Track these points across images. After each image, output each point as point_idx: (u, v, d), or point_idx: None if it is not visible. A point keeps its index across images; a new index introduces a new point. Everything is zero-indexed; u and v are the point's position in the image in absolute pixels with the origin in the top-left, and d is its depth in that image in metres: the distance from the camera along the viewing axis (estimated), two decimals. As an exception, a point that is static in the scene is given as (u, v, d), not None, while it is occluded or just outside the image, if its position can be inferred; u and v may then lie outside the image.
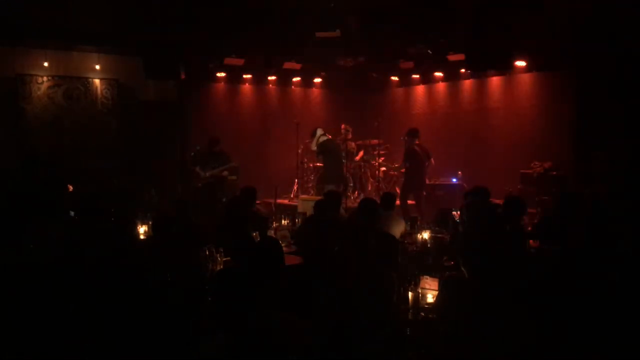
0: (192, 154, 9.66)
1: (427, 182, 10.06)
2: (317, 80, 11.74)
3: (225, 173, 9.12)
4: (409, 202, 9.13)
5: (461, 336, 3.39)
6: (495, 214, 5.01)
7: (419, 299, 3.72)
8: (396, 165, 10.00)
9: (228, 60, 9.83)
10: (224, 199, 8.79)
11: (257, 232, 5.22)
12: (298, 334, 2.94)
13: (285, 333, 2.94)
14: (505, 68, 8.69)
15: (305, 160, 10.67)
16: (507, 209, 5.16)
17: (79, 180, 7.23)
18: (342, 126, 10.31)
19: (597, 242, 4.63)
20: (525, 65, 9.01)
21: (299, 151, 10.41)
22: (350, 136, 10.31)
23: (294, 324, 2.96)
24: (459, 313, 3.50)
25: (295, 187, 10.49)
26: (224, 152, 9.25)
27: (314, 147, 9.72)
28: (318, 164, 10.56)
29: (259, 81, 11.18)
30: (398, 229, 5.79)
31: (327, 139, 9.59)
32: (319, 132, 9.62)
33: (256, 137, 11.06)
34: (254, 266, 3.62)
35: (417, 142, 9.11)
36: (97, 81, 9.53)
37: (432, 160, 9.19)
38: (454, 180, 9.65)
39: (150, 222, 5.70)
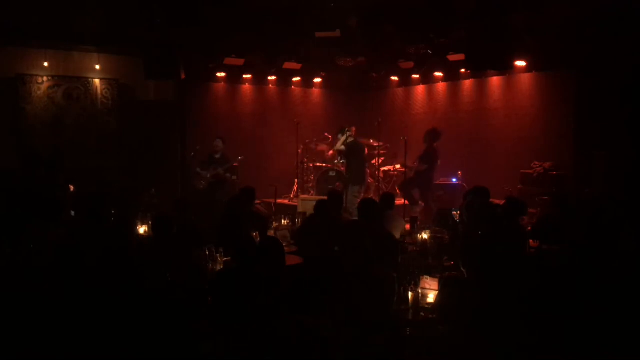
0: (192, 154, 9.67)
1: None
2: (317, 80, 11.73)
3: (228, 175, 9.11)
4: (407, 202, 9.13)
5: (461, 336, 3.40)
6: (495, 214, 5.02)
7: (419, 299, 3.72)
8: (414, 165, 9.44)
9: (228, 61, 9.83)
10: (224, 199, 8.80)
11: (257, 232, 5.23)
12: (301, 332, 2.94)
13: (287, 332, 2.94)
14: (506, 68, 8.67)
15: (305, 160, 10.67)
16: (507, 209, 5.17)
17: (79, 180, 7.24)
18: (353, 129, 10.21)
19: (597, 241, 4.63)
20: (526, 65, 9.00)
21: (299, 151, 10.41)
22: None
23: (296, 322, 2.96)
24: (459, 313, 3.50)
25: (295, 187, 10.49)
26: (226, 154, 9.24)
27: (340, 147, 9.59)
28: (318, 164, 10.56)
29: (259, 81, 11.18)
30: (398, 229, 5.79)
31: (355, 140, 9.52)
32: (348, 132, 9.51)
33: (256, 137, 11.05)
34: (255, 266, 3.62)
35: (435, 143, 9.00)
36: (97, 81, 9.53)
37: (439, 161, 9.12)
38: (454, 180, 9.65)
39: (150, 222, 5.71)
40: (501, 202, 5.58)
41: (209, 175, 9.09)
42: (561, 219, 5.44)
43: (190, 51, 9.04)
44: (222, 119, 10.77)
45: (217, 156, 9.23)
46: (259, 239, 4.89)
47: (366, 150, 10.46)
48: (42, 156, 6.77)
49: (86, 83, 9.47)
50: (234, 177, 9.21)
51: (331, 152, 10.53)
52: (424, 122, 11.15)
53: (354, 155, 9.26)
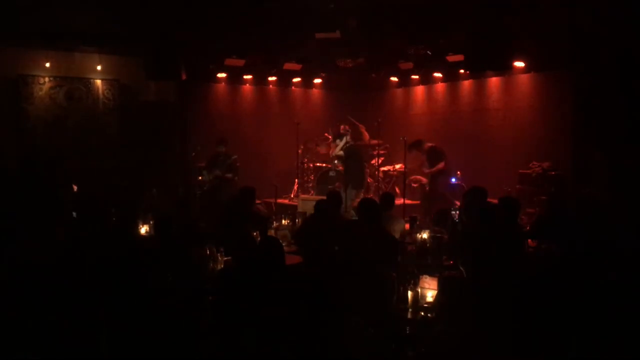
0: (193, 154, 9.71)
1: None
2: (317, 80, 11.78)
3: (229, 175, 9.12)
4: (408, 201, 9.17)
5: (460, 335, 3.43)
6: (494, 214, 5.05)
7: (418, 298, 3.76)
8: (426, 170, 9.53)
9: (229, 61, 9.86)
10: (224, 199, 8.81)
11: (258, 232, 5.26)
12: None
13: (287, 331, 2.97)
14: (504, 69, 8.70)
15: (305, 160, 10.71)
16: (501, 209, 5.20)
17: (81, 180, 7.28)
18: (342, 127, 10.33)
19: (595, 241, 4.65)
20: (524, 66, 9.03)
21: (299, 151, 10.44)
22: (350, 137, 10.36)
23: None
24: (457, 312, 3.54)
25: (295, 187, 10.53)
26: (228, 153, 9.24)
27: (339, 152, 9.63)
28: (318, 164, 10.60)
29: (260, 82, 11.22)
30: (398, 228, 5.82)
31: (353, 144, 9.56)
32: (346, 138, 9.54)
33: (256, 137, 11.08)
34: (255, 265, 3.66)
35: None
36: (98, 82, 9.56)
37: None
38: (453, 180, 9.67)
39: (151, 222, 5.74)
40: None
41: (211, 177, 9.10)
42: (559, 219, 5.46)
43: (190, 52, 9.07)
44: (223, 120, 10.81)
45: (220, 158, 9.23)
46: (259, 239, 4.92)
47: (366, 136, 10.47)
48: (44, 156, 6.80)
49: (88, 84, 9.50)
50: (230, 175, 9.17)
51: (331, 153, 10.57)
52: (424, 122, 11.20)
53: (353, 159, 9.32)
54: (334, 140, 9.75)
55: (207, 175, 9.16)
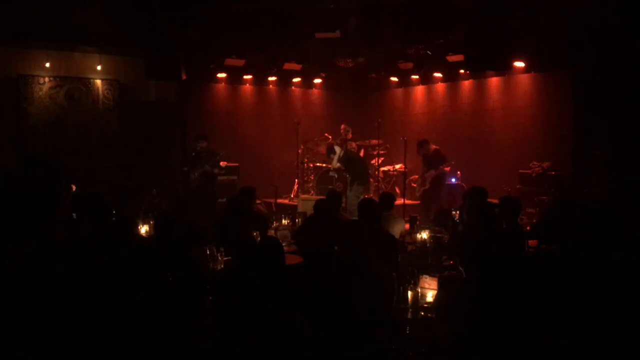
0: (193, 154, 9.70)
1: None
2: (317, 80, 11.79)
3: (216, 170, 9.05)
4: (408, 201, 9.16)
5: (460, 335, 3.43)
6: (494, 214, 5.05)
7: (418, 298, 3.76)
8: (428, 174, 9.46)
9: (229, 61, 9.87)
10: (221, 199, 8.80)
11: (258, 232, 5.26)
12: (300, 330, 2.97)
13: (287, 330, 2.97)
14: (504, 69, 8.70)
15: (305, 160, 10.71)
16: (502, 208, 5.20)
17: (80, 180, 7.27)
18: (342, 126, 10.36)
19: (595, 241, 4.65)
20: (524, 66, 9.05)
21: (299, 151, 10.45)
22: (350, 136, 10.37)
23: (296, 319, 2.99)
24: (457, 312, 3.54)
25: (295, 187, 10.53)
26: (210, 148, 9.14)
27: (336, 165, 9.63)
28: (318, 164, 10.60)
29: (260, 82, 11.23)
30: (398, 228, 5.83)
31: (345, 151, 9.57)
32: (338, 149, 9.51)
33: (256, 137, 11.10)
34: (255, 265, 3.66)
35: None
36: (98, 82, 9.57)
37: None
38: (453, 180, 9.69)
39: (151, 222, 5.74)
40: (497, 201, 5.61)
41: (197, 175, 9.02)
42: (560, 219, 5.46)
43: (190, 51, 9.08)
44: (223, 120, 10.82)
45: (203, 154, 9.14)
46: (259, 239, 4.92)
47: (362, 151, 10.53)
48: (43, 156, 6.80)
49: (88, 84, 9.51)
50: (217, 170, 9.12)
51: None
52: (424, 122, 11.22)
53: (352, 162, 9.34)
54: (328, 155, 9.70)
55: (192, 174, 9.04)
